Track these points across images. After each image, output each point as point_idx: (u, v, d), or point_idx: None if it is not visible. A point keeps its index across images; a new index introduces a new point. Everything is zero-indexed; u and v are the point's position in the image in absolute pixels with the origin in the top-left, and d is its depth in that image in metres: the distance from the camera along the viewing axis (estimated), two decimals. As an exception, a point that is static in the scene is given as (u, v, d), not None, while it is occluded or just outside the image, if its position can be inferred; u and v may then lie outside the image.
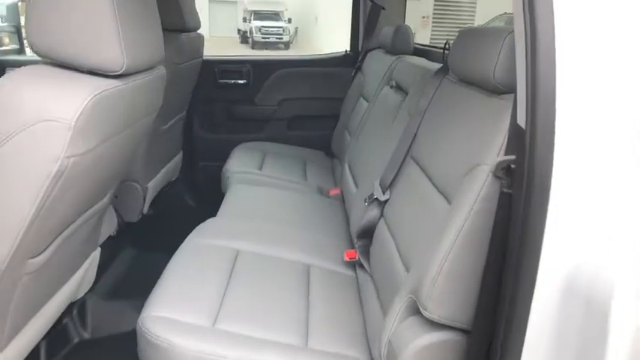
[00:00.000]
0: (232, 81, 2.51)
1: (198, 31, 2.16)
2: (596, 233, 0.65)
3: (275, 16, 20.23)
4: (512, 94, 0.85)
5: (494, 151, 0.79)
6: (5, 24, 2.61)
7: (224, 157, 2.30)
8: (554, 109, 0.64)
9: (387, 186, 1.27)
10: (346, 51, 2.56)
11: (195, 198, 2.61)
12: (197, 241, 1.38)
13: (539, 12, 0.63)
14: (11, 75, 0.85)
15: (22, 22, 2.50)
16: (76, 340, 1.52)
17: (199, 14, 2.15)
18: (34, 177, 0.84)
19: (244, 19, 21.49)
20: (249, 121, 2.58)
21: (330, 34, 17.93)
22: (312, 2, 20.52)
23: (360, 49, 2.49)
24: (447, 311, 0.80)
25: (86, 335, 1.55)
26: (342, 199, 1.88)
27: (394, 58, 1.88)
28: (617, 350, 0.62)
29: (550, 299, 0.66)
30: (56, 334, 1.41)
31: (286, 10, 21.12)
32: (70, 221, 1.07)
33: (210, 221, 1.50)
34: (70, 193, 0.92)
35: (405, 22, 2.32)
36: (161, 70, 1.19)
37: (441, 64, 1.40)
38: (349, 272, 1.37)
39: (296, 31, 21.51)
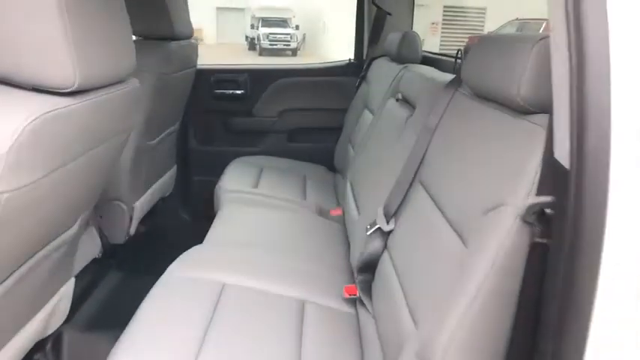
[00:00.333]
0: (229, 91, 2.37)
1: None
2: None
3: (283, 22, 20.23)
4: (543, 115, 0.70)
5: (522, 189, 0.63)
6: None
7: (220, 170, 2.16)
8: (609, 140, 0.48)
9: (392, 214, 1.11)
10: (350, 59, 2.41)
11: (190, 213, 2.47)
12: (177, 274, 1.23)
13: (588, 10, 0.47)
14: None
15: None
16: None
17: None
18: None
19: (252, 26, 21.51)
20: (247, 133, 2.44)
21: (338, 41, 17.87)
22: (320, 9, 20.48)
23: (364, 57, 2.34)
24: None
25: None
26: (344, 220, 1.72)
27: (400, 67, 1.72)
28: None
29: None
30: None
31: (294, 16, 21.10)
32: (21, 260, 0.92)
33: (194, 249, 1.35)
34: (11, 233, 0.77)
35: (413, 29, 2.17)
36: (132, 84, 1.05)
37: (454, 75, 1.25)
38: (349, 309, 1.21)
39: (304, 38, 21.48)
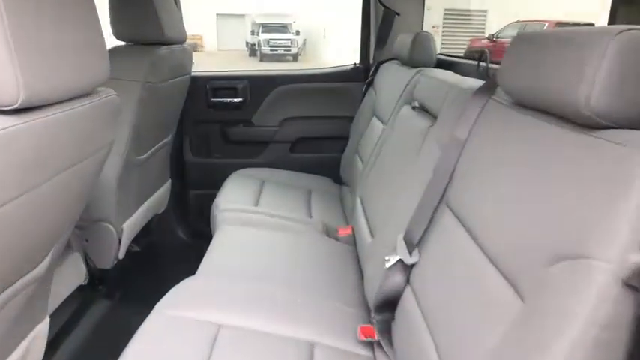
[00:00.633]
0: (226, 99, 2.21)
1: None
2: None
3: (283, 28, 20.17)
4: (623, 132, 0.53)
5: (617, 238, 0.46)
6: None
7: (219, 184, 2.00)
8: None
9: (415, 244, 0.95)
10: (355, 63, 2.25)
11: (188, 231, 2.31)
12: (167, 313, 1.06)
13: None
14: None
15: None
16: None
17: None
18: None
19: (252, 32, 21.48)
20: (247, 144, 2.28)
21: (338, 46, 17.77)
22: (321, 15, 20.42)
23: (371, 61, 2.18)
24: None
25: None
26: (354, 240, 1.55)
27: (414, 71, 1.56)
28: None
29: None
30: None
31: (294, 22, 21.04)
32: None
33: (187, 282, 1.19)
34: None
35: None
36: (106, 96, 0.89)
37: (481, 80, 1.09)
38: (365, 353, 1.04)
39: (304, 43, 21.40)
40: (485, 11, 16.10)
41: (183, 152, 2.25)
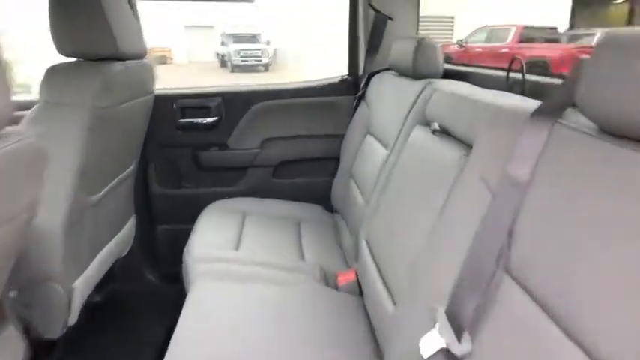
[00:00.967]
0: (198, 120, 1.93)
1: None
2: None
3: (253, 38, 19.92)
4: None
5: None
6: None
7: (191, 217, 1.72)
8: None
9: (464, 325, 0.69)
10: (343, 75, 2.01)
11: (157, 273, 2.00)
12: None
13: None
14: None
15: None
16: None
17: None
18: None
19: (222, 43, 21.16)
20: (223, 170, 1.99)
21: (312, 55, 17.61)
22: (292, 25, 20.27)
23: (361, 72, 1.94)
24: None
25: None
26: (359, 288, 1.29)
27: (420, 84, 1.32)
28: None
29: None
30: None
31: (264, 32, 20.82)
32: None
33: None
34: None
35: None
36: (16, 142, 0.61)
37: (515, 94, 0.85)
38: None
39: (275, 53, 21.19)
40: (453, 17, 16.24)
41: (148, 182, 1.94)
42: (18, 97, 1.82)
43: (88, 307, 1.45)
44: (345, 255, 1.55)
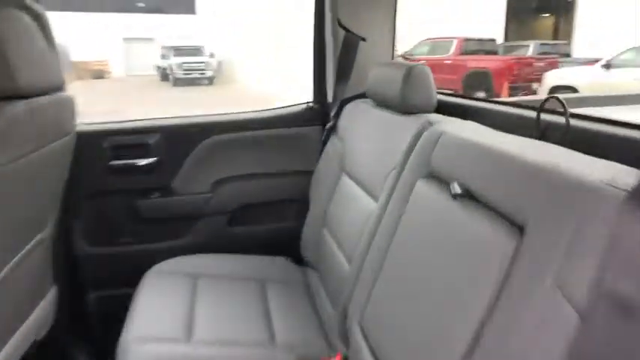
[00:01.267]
0: (133, 161, 1.58)
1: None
2: None
3: (196, 51, 19.28)
4: None
5: None
6: None
7: (131, 280, 1.39)
8: None
9: None
10: (309, 103, 1.73)
11: (89, 353, 1.62)
12: None
13: None
14: None
15: None
16: None
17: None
18: None
19: (163, 56, 20.34)
20: (167, 221, 1.65)
21: (257, 69, 17.28)
22: (235, 36, 19.87)
23: (329, 99, 1.67)
24: None
25: None
26: None
27: (417, 122, 1.07)
28: None
29: None
30: None
31: (207, 44, 20.24)
32: None
33: None
34: None
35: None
36: None
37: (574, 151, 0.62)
38: None
39: (219, 66, 20.66)
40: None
41: (73, 242, 1.56)
42: None
43: None
44: (324, 328, 1.26)
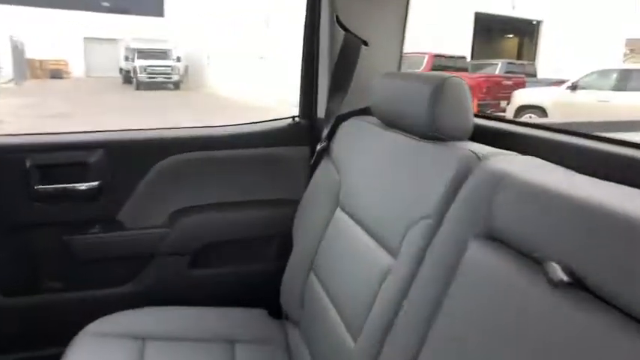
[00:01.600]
0: (67, 185, 1.22)
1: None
2: None
3: (162, 54, 18.64)
4: None
5: None
6: None
7: (60, 339, 1.06)
8: None
9: None
10: (294, 117, 1.42)
11: None
12: None
13: None
14: None
15: None
16: None
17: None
18: None
19: (126, 58, 19.58)
20: (110, 262, 1.29)
21: (225, 73, 16.81)
22: (204, 40, 19.37)
23: (319, 114, 1.37)
24: None
25: None
26: None
27: (457, 159, 0.78)
28: None
29: None
30: None
31: (175, 47, 19.62)
32: None
33: None
34: None
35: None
36: None
37: None
38: None
39: (186, 70, 20.05)
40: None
41: None
42: None
43: None
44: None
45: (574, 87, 8.81)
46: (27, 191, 1.20)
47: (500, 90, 10.54)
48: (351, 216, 1.03)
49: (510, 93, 9.88)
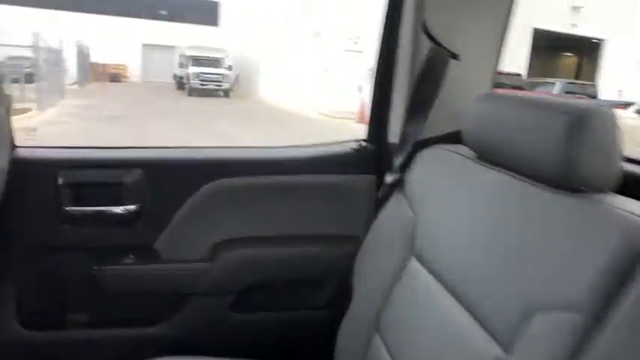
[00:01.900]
0: (102, 209, 1.08)
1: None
2: None
3: (215, 62, 19.13)
4: None
5: None
6: None
7: None
8: None
9: None
10: (361, 142, 1.21)
11: None
12: None
13: None
14: None
15: None
16: None
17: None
18: None
19: (181, 65, 20.22)
20: (142, 298, 1.13)
21: (277, 83, 16.97)
22: (255, 48, 19.71)
23: (391, 138, 1.16)
24: None
25: None
26: None
27: (609, 217, 0.54)
28: None
29: None
30: None
31: (227, 56, 20.08)
32: None
33: None
34: None
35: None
36: None
37: None
38: None
39: (237, 78, 20.45)
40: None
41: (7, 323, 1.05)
42: None
43: None
44: None
45: (642, 111, 8.23)
46: (56, 211, 1.05)
47: (559, 111, 10.04)
48: (432, 272, 0.81)
49: (571, 115, 9.35)
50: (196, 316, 1.12)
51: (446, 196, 0.85)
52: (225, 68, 19.13)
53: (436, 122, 1.03)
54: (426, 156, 0.99)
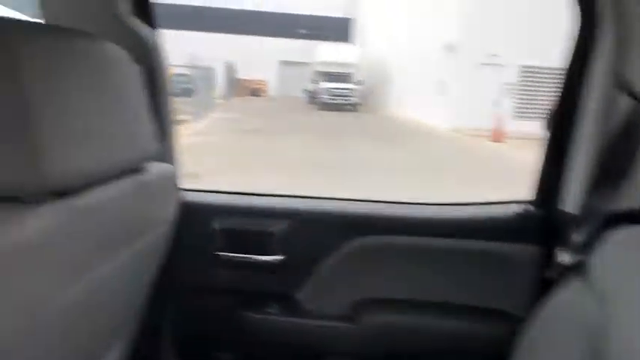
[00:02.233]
0: (251, 257, 1.09)
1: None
2: None
3: (345, 77, 19.59)
4: None
5: None
6: None
7: None
8: None
9: None
10: (526, 205, 1.06)
11: None
12: None
13: None
14: None
15: None
16: None
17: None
18: None
19: (313, 81, 21.09)
20: (282, 348, 1.12)
21: (405, 97, 16.78)
22: (386, 59, 19.77)
23: (572, 209, 0.98)
24: None
25: None
26: None
27: None
28: None
29: None
30: None
31: (357, 71, 20.46)
32: None
33: None
34: None
35: None
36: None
37: None
38: None
39: (365, 93, 20.65)
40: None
41: (159, 354, 1.12)
42: None
43: None
44: None
45: None
46: (211, 255, 1.10)
47: None
48: None
49: None
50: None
51: None
52: (355, 83, 19.47)
53: (633, 193, 0.84)
54: (622, 237, 0.81)
